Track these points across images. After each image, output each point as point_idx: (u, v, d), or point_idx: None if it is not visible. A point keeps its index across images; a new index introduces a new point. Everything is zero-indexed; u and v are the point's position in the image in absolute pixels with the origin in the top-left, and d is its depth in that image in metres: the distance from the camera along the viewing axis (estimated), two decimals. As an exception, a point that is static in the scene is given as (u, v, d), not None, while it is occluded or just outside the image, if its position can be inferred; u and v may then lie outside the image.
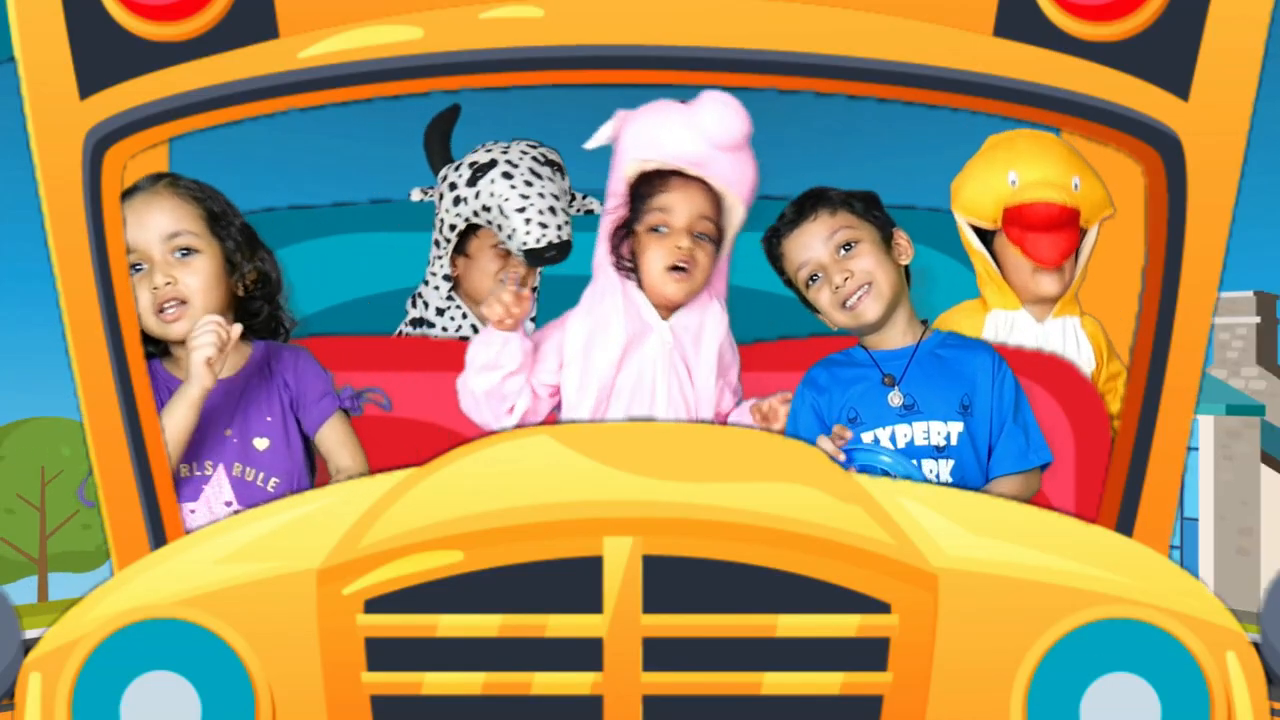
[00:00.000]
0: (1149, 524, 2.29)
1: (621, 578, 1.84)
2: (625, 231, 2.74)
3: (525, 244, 3.11)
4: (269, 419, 2.57)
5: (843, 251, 2.71)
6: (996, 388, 2.69)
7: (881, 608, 1.87)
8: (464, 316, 3.30)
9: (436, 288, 3.32)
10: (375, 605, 1.88)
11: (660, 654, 1.85)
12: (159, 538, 2.26)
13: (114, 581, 2.00)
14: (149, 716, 1.86)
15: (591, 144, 2.77)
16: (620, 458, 1.95)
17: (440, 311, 3.31)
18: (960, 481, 2.61)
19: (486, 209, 3.17)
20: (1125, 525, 2.29)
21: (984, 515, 2.03)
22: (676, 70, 2.23)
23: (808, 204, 2.77)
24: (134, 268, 2.49)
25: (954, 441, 2.63)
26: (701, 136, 2.68)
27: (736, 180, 2.74)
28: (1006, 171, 3.18)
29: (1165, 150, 2.17)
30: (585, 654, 1.85)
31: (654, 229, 2.70)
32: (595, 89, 2.71)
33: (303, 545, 1.92)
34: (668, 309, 2.75)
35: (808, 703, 1.87)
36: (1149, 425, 2.28)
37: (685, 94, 2.72)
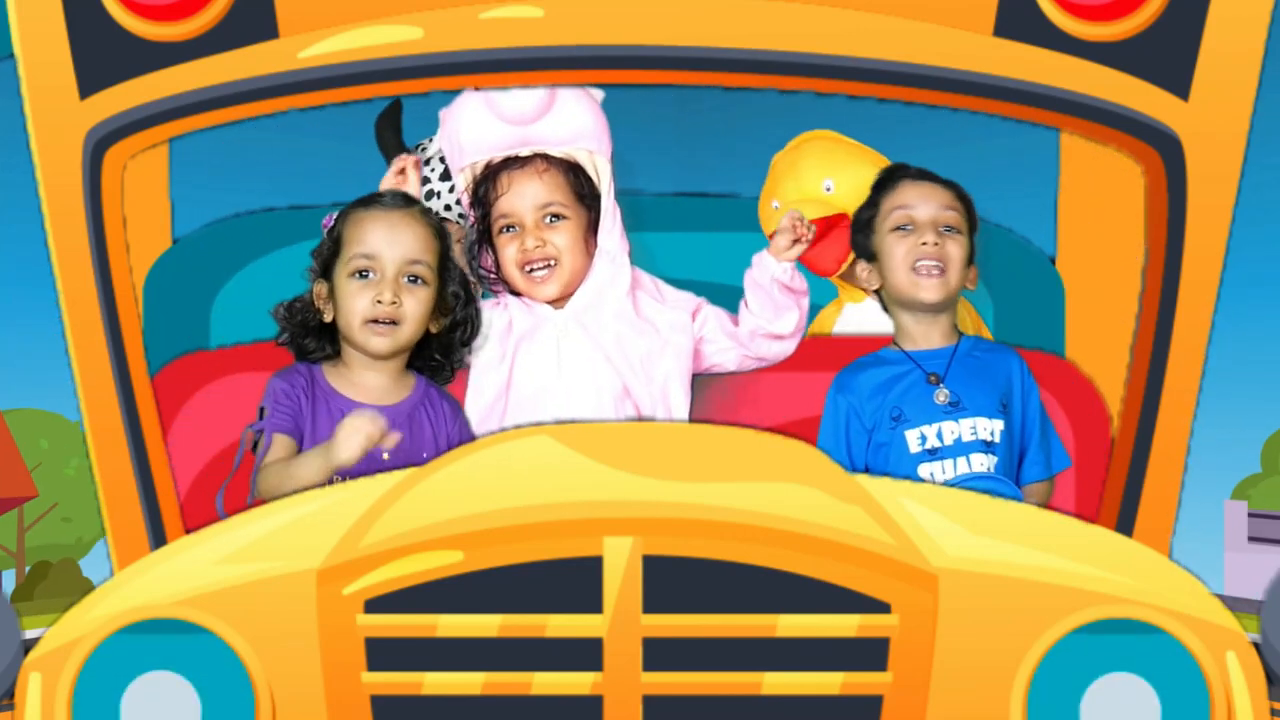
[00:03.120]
0: (1149, 524, 2.30)
1: (621, 578, 1.84)
2: (483, 241, 2.70)
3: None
4: (425, 455, 2.55)
5: (944, 228, 2.70)
6: (1026, 391, 2.71)
7: (881, 608, 1.87)
8: None
9: None
10: (375, 605, 1.87)
11: (660, 654, 1.85)
12: (159, 538, 2.26)
13: (114, 581, 2.00)
14: (149, 716, 1.86)
15: (433, 149, 2.72)
16: (620, 458, 1.94)
17: None
18: (1001, 475, 2.62)
19: (460, 202, 3.15)
20: (1125, 525, 2.30)
21: (984, 515, 2.03)
22: (676, 70, 2.23)
23: (941, 178, 2.76)
24: (361, 273, 2.54)
25: (997, 439, 2.64)
26: (501, 118, 2.61)
27: (571, 138, 2.65)
28: (770, 200, 3.17)
29: (1165, 150, 2.18)
30: (585, 654, 1.85)
31: (503, 231, 2.66)
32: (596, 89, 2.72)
33: (303, 545, 1.92)
34: (556, 300, 2.68)
35: (808, 703, 1.87)
36: (1149, 425, 2.28)
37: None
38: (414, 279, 2.55)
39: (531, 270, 2.64)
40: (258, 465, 2.45)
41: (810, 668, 1.87)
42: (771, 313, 2.69)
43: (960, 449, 2.64)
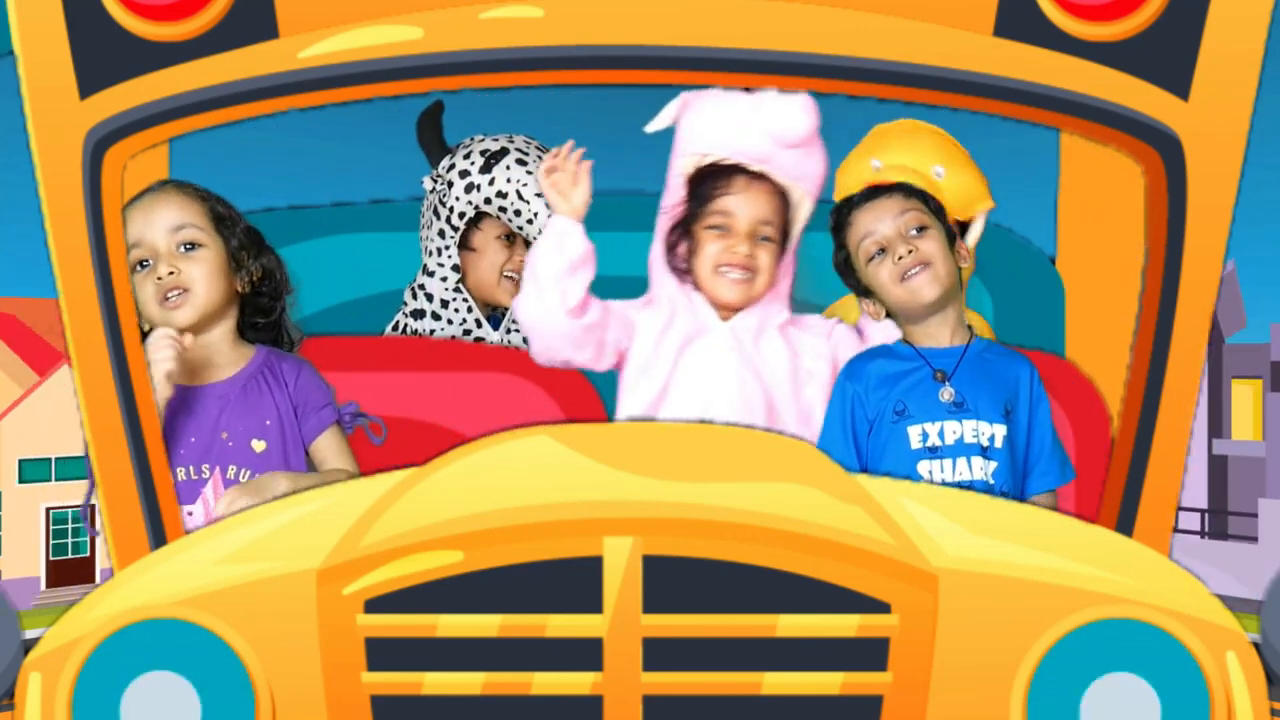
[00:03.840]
0: (1149, 524, 2.29)
1: (621, 578, 1.84)
2: (683, 230, 2.70)
3: (532, 219, 3.12)
4: (268, 422, 2.59)
5: (912, 232, 2.71)
6: (1035, 400, 2.71)
7: (881, 608, 1.87)
8: (469, 310, 3.30)
9: (444, 279, 3.31)
10: (375, 605, 1.88)
11: (660, 654, 1.85)
12: (159, 538, 2.26)
13: (114, 581, 2.00)
14: (149, 716, 1.86)
15: (652, 127, 2.73)
16: (620, 458, 1.95)
17: (445, 304, 3.31)
18: (1001, 483, 2.62)
19: (502, 195, 3.18)
20: (1125, 525, 2.29)
21: (984, 515, 2.03)
22: (676, 70, 2.23)
23: (885, 185, 2.78)
24: (140, 264, 2.57)
25: (998, 444, 2.64)
26: (764, 131, 2.64)
27: (803, 176, 2.70)
28: (870, 158, 3.20)
29: (1165, 150, 2.18)
30: (585, 654, 1.85)
31: (713, 228, 2.67)
32: (595, 89, 2.71)
33: (303, 545, 1.92)
34: (728, 310, 2.70)
35: (808, 703, 1.87)
36: (1149, 425, 2.28)
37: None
38: (188, 246, 2.58)
39: (729, 272, 2.66)
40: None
41: (810, 668, 1.87)
42: None
43: (961, 449, 2.64)
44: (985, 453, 2.64)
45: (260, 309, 2.69)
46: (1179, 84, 2.15)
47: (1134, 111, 2.16)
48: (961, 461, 2.63)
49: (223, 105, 2.18)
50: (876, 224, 2.72)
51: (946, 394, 2.67)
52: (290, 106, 2.23)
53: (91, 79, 2.15)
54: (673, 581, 1.85)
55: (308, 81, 2.17)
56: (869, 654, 1.87)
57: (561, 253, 2.57)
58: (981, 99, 2.21)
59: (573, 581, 1.84)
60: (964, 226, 3.24)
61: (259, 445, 2.56)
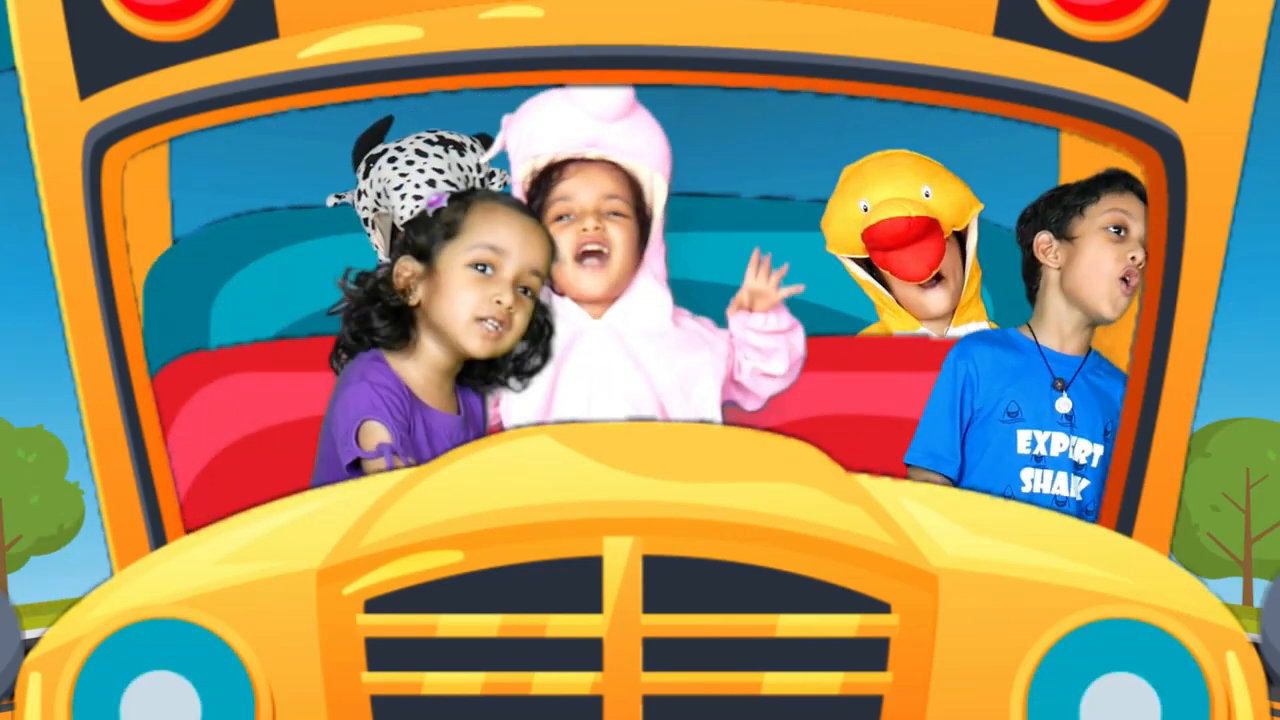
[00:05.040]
0: (1149, 524, 2.30)
1: (621, 578, 1.84)
2: None
3: (401, 218, 3.08)
4: None
5: (1142, 250, 2.63)
6: None
7: (881, 608, 1.87)
8: None
9: None
10: (375, 605, 1.87)
11: (660, 654, 1.85)
12: (159, 538, 2.26)
13: (114, 581, 2.00)
14: (149, 716, 1.86)
15: (487, 156, 2.70)
16: (620, 458, 1.95)
17: None
18: (1088, 502, 2.59)
19: (380, 196, 3.16)
20: (1125, 525, 2.30)
21: (984, 515, 2.03)
22: (676, 70, 2.23)
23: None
24: (481, 266, 2.43)
25: (1094, 464, 2.61)
26: (584, 114, 2.58)
27: (641, 152, 2.63)
28: (858, 200, 3.22)
29: (1165, 150, 2.18)
30: (585, 654, 1.85)
31: (560, 219, 2.58)
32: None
33: (303, 545, 1.92)
34: (599, 305, 2.62)
35: (808, 703, 1.87)
36: (1149, 425, 2.28)
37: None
38: (527, 290, 2.45)
39: (585, 257, 2.58)
40: None
41: (810, 668, 1.87)
42: (760, 357, 2.63)
43: (1063, 464, 2.59)
44: (1079, 470, 2.61)
45: (492, 370, 2.52)
46: (1179, 84, 2.15)
47: (1134, 111, 2.16)
48: (1061, 476, 2.60)
49: (223, 105, 2.19)
50: (1140, 217, 2.65)
51: (1064, 405, 2.62)
52: (290, 106, 2.23)
53: (91, 79, 2.15)
54: (673, 581, 1.85)
55: (308, 81, 2.17)
56: (869, 654, 1.87)
57: None
58: (981, 99, 2.21)
59: (573, 581, 1.84)
60: (960, 236, 3.27)
61: None
